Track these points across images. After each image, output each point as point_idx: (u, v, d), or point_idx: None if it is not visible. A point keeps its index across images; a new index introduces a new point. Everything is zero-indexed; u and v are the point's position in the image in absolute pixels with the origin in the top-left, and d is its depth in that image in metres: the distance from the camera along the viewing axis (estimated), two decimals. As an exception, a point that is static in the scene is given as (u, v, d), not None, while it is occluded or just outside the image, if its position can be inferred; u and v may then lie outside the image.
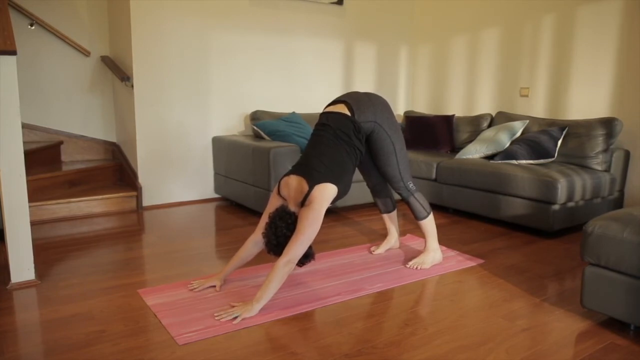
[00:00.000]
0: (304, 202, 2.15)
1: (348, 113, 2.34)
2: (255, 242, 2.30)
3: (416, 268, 2.63)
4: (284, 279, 2.04)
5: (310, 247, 2.19)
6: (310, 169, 2.19)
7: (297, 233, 2.06)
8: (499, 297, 2.27)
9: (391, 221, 2.90)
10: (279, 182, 2.28)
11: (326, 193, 2.15)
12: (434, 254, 2.68)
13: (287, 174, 2.26)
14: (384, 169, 2.52)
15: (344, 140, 2.28)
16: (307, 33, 4.56)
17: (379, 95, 2.54)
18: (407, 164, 2.55)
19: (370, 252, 2.88)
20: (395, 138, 2.46)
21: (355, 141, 2.31)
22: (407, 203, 2.63)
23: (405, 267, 2.65)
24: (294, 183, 2.20)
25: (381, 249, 2.88)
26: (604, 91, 3.77)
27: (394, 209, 2.87)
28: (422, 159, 4.03)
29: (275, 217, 2.15)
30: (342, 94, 2.49)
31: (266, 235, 2.15)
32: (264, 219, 2.27)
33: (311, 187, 2.14)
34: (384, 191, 2.81)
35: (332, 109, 2.40)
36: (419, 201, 2.62)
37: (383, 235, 3.26)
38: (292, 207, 2.21)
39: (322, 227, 3.45)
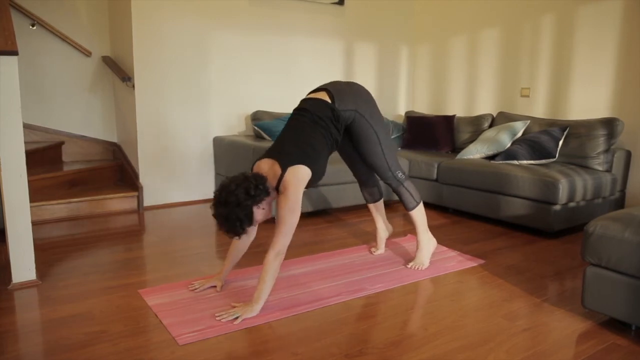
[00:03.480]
0: (278, 186, 2.09)
1: (329, 100, 2.30)
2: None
3: (417, 269, 2.63)
4: (277, 272, 2.03)
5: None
6: (283, 152, 2.14)
7: (279, 224, 2.02)
8: (500, 297, 2.27)
9: (378, 211, 2.82)
10: (252, 167, 2.22)
11: (300, 175, 2.08)
12: (427, 247, 2.66)
13: (260, 158, 2.20)
14: (371, 159, 2.47)
15: (321, 126, 2.23)
16: (308, 33, 4.57)
17: (362, 85, 2.50)
18: (393, 152, 2.50)
19: (371, 253, 2.87)
20: (377, 127, 2.41)
21: (332, 128, 2.26)
22: (397, 193, 2.58)
23: (406, 267, 2.65)
24: (265, 167, 2.13)
25: (381, 249, 2.87)
26: (605, 91, 3.76)
27: (380, 198, 2.80)
28: (422, 159, 4.03)
29: (248, 176, 2.04)
30: (325, 83, 2.46)
31: (219, 189, 2.02)
32: None
33: (284, 170, 2.07)
34: (371, 180, 2.75)
35: (313, 95, 2.37)
36: (409, 190, 2.57)
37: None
38: (273, 194, 2.13)
39: (316, 229, 3.45)
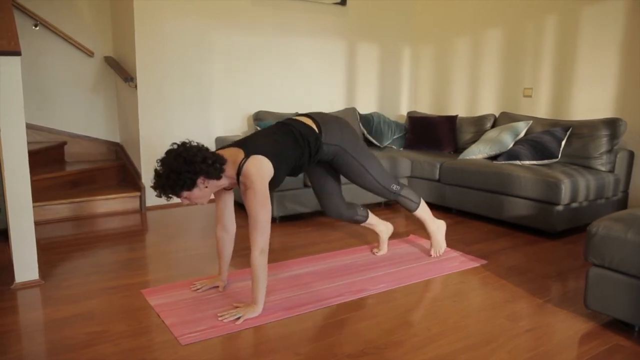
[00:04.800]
0: (239, 174, 2.01)
1: (316, 129, 2.28)
2: (224, 228, 2.25)
3: (439, 253, 2.81)
4: (266, 269, 2.01)
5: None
6: (250, 142, 2.09)
7: (254, 222, 1.97)
8: (502, 298, 2.26)
9: (371, 223, 2.80)
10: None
11: (261, 167, 2.00)
12: (439, 232, 2.81)
13: (223, 147, 2.15)
14: (365, 186, 2.52)
15: (299, 144, 2.19)
16: (310, 33, 4.57)
17: (345, 119, 2.51)
18: (382, 171, 2.52)
19: (373, 254, 2.87)
20: (362, 158, 2.42)
21: (306, 152, 2.21)
22: (397, 202, 2.67)
23: (412, 266, 2.65)
24: (227, 154, 2.06)
25: (383, 249, 2.87)
26: (608, 91, 3.75)
27: (367, 217, 2.75)
28: (425, 160, 4.03)
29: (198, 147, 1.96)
30: (310, 112, 2.44)
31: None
32: (220, 209, 2.24)
33: (247, 156, 2.01)
34: (347, 213, 2.65)
35: (300, 119, 2.33)
36: (407, 197, 2.63)
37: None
38: (224, 181, 2.05)
39: (317, 230, 3.45)
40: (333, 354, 1.75)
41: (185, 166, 1.89)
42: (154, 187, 1.95)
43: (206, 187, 1.99)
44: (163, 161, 1.93)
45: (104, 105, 4.37)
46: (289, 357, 1.72)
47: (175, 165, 1.89)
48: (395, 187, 2.57)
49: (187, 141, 1.99)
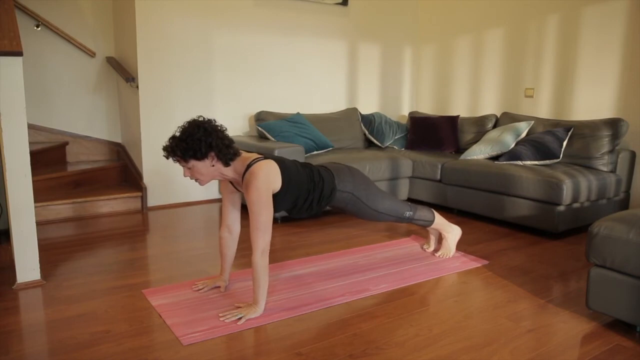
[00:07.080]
0: (246, 170, 2.03)
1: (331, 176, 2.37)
2: (228, 229, 2.27)
3: (444, 257, 2.82)
4: (267, 269, 2.01)
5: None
6: (271, 155, 2.16)
7: (256, 223, 1.98)
8: (504, 298, 2.26)
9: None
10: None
11: (271, 170, 2.03)
12: (451, 237, 2.83)
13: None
14: (381, 221, 2.61)
15: (314, 180, 2.25)
16: (312, 34, 4.57)
17: (356, 168, 2.58)
18: (392, 204, 2.57)
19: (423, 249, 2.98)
20: (375, 203, 2.48)
21: (317, 188, 2.26)
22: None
23: (413, 266, 2.65)
24: (244, 153, 2.11)
25: (432, 246, 2.97)
26: (610, 91, 3.75)
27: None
28: (426, 160, 4.03)
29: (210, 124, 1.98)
30: (324, 162, 2.52)
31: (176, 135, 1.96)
32: (225, 210, 2.27)
33: (262, 159, 2.05)
34: None
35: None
36: (421, 219, 2.70)
37: (388, 236, 3.26)
38: (230, 172, 2.07)
39: (327, 228, 3.45)
40: (335, 354, 1.75)
41: (204, 136, 1.93)
42: (165, 148, 1.97)
43: (213, 165, 2.00)
44: (184, 127, 1.96)
45: (106, 105, 4.38)
46: (291, 357, 1.72)
47: (196, 132, 1.93)
48: (408, 214, 2.63)
49: (212, 119, 2.02)
